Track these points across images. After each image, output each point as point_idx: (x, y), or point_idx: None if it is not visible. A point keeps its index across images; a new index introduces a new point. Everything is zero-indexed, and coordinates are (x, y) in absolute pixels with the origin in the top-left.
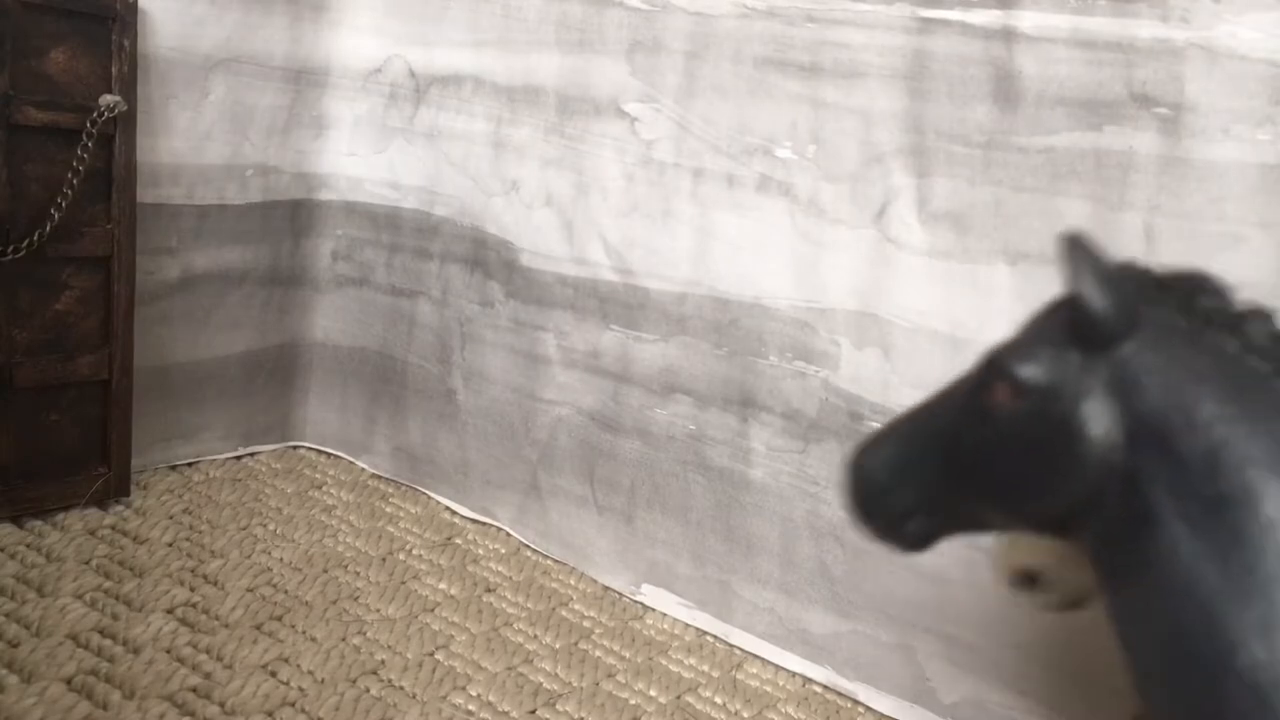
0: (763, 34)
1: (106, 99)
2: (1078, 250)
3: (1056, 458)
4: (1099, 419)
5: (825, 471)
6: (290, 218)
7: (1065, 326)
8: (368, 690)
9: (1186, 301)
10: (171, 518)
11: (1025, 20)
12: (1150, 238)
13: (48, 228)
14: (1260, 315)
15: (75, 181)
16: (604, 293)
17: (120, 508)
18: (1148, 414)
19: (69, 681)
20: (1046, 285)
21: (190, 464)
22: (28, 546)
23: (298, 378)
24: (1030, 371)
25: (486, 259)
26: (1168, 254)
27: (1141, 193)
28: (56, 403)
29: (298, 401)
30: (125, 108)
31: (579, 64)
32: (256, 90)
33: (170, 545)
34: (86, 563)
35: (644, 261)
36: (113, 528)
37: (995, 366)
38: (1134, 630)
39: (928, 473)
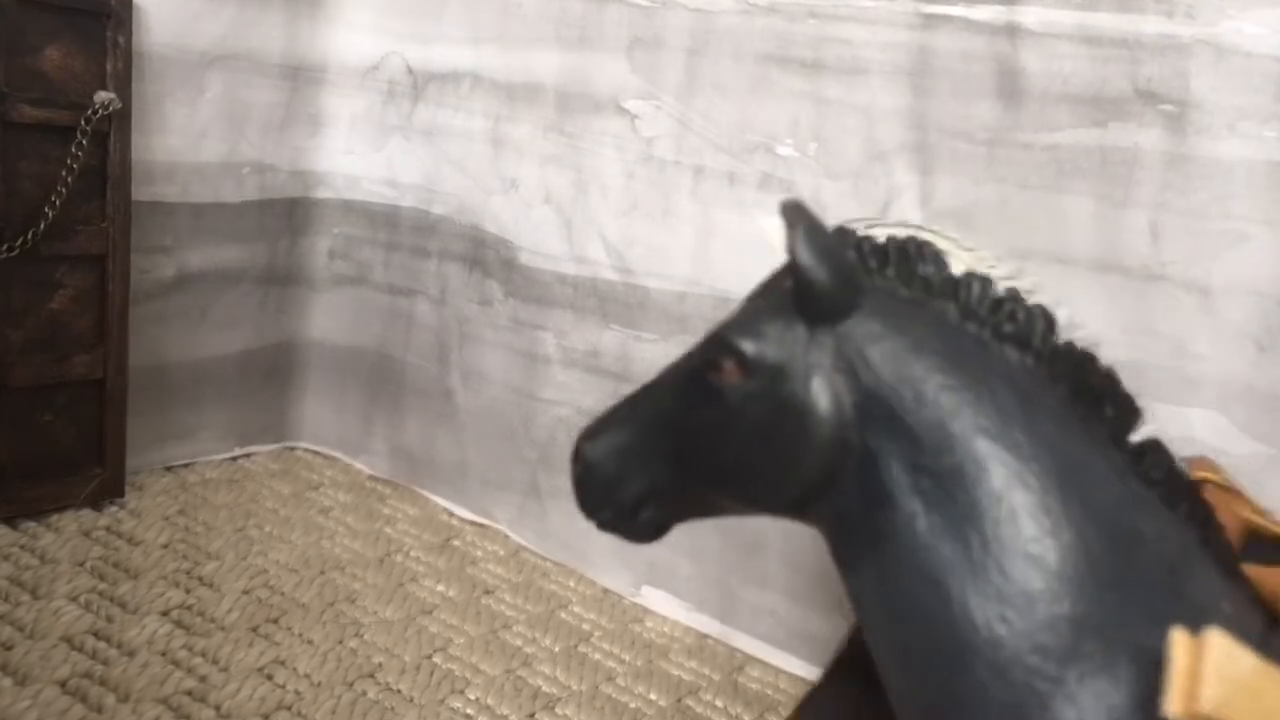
0: (764, 30)
1: (101, 96)
2: (795, 217)
3: (789, 438)
4: (828, 395)
5: None
6: (287, 216)
7: (787, 298)
8: (365, 693)
9: (906, 269)
10: (167, 519)
11: (1029, 16)
12: (1155, 235)
13: (42, 226)
14: (977, 278)
15: (70, 179)
16: (604, 292)
17: (115, 509)
18: (875, 388)
19: (63, 684)
20: (1052, 283)
21: (186, 465)
22: (21, 548)
23: (294, 378)
24: (756, 347)
25: (485, 258)
26: (1173, 252)
27: (1147, 190)
28: (51, 403)
29: (294, 402)
30: (120, 105)
31: (579, 61)
32: (253, 87)
33: (165, 547)
34: (81, 565)
35: (644, 260)
36: (107, 529)
37: (720, 343)
38: (874, 612)
39: (656, 458)
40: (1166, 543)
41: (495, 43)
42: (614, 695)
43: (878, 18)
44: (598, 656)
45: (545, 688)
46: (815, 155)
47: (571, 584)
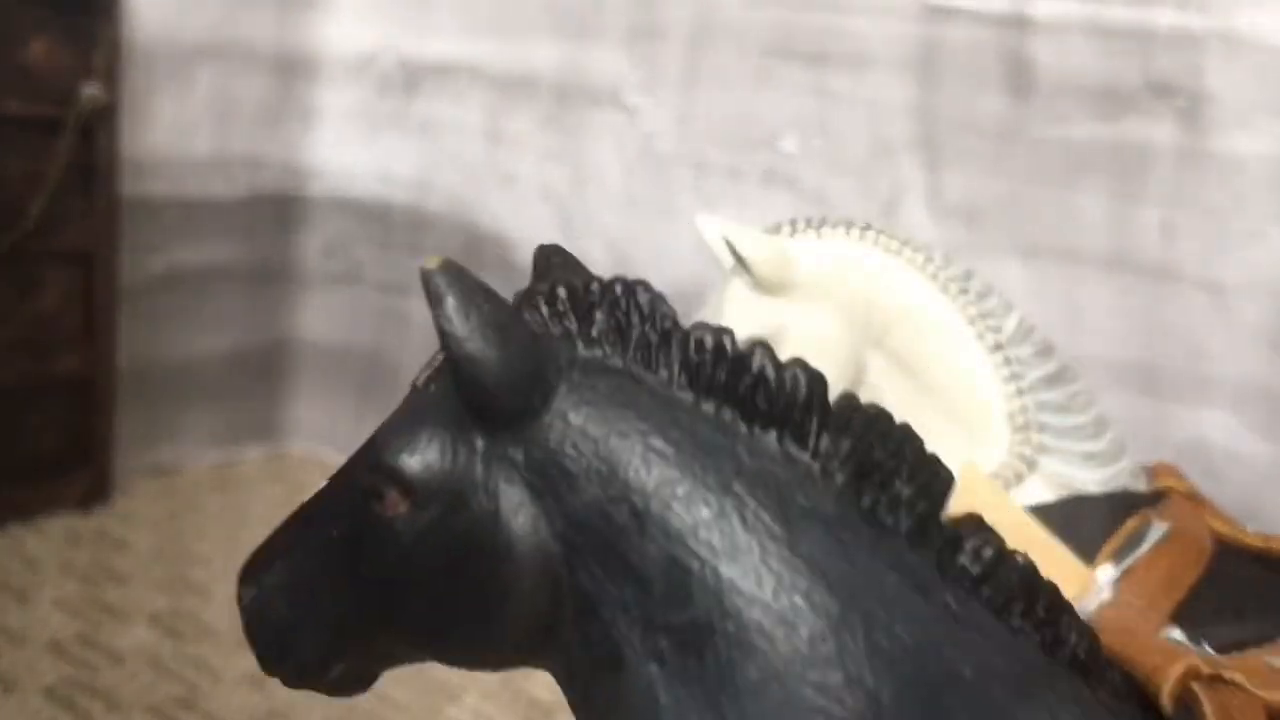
0: (767, 21)
1: (88, 90)
2: (442, 286)
3: (482, 583)
4: (523, 527)
5: None
6: (278, 212)
7: (456, 396)
8: (358, 701)
9: (615, 326)
10: (155, 523)
11: (1039, 8)
12: (1168, 232)
13: (27, 223)
14: (710, 334)
15: (56, 175)
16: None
17: (102, 512)
18: (583, 513)
19: (49, 692)
20: (1062, 281)
21: (174, 467)
22: (6, 552)
23: (286, 378)
24: (419, 465)
25: (481, 255)
26: (1186, 249)
27: (1159, 186)
28: (36, 404)
29: (286, 402)
30: (107, 99)
31: (576, 52)
32: (243, 80)
33: (153, 551)
34: (67, 569)
35: (644, 258)
36: (94, 533)
37: (377, 464)
38: None
39: (333, 602)
40: (994, 679)
41: (491, 34)
42: None
43: (884, 9)
44: None
45: (543, 696)
46: (819, 150)
47: None
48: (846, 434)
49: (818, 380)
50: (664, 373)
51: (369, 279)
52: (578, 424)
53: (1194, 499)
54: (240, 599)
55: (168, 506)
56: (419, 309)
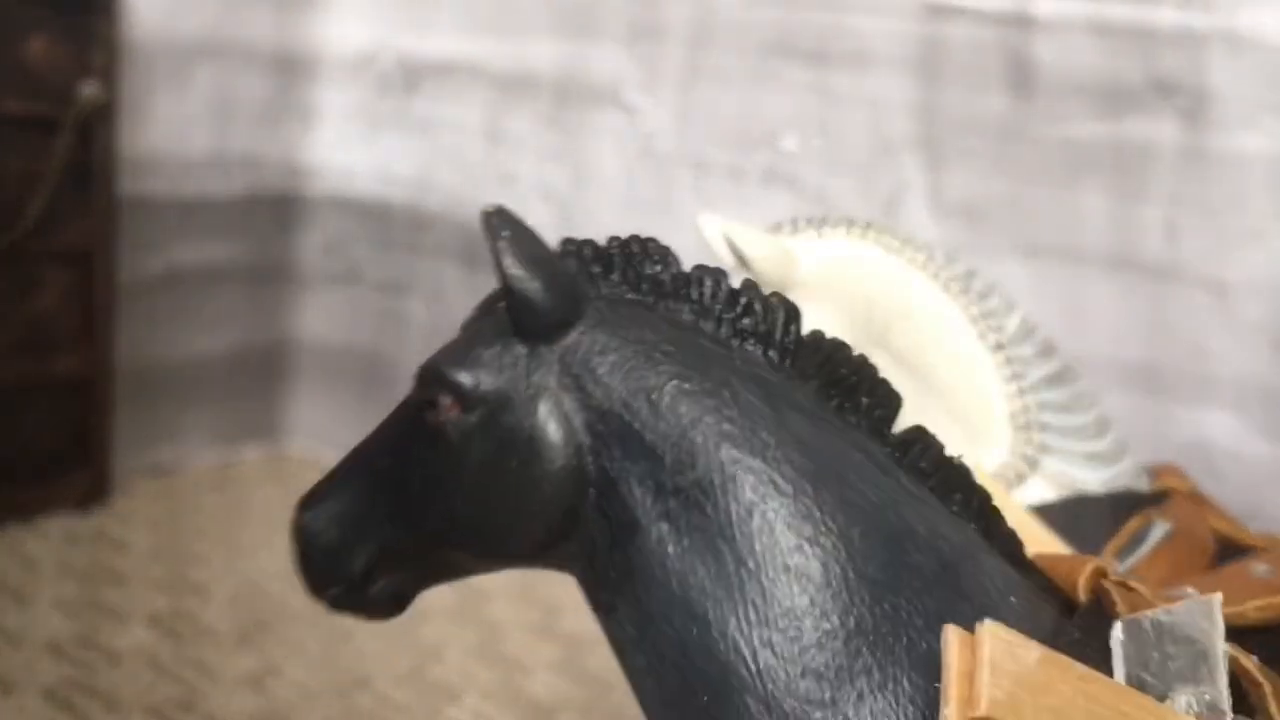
0: (768, 21)
1: (87, 89)
2: (499, 226)
3: (521, 474)
4: (558, 420)
5: None
6: (277, 211)
7: (504, 319)
8: (358, 702)
9: (632, 271)
10: (154, 523)
11: (1040, 7)
12: (1171, 232)
13: (26, 222)
14: (709, 273)
15: (54, 174)
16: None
17: (101, 512)
18: (607, 404)
19: (48, 692)
20: (1064, 281)
21: (174, 467)
22: (5, 553)
23: (285, 378)
24: (471, 376)
25: (480, 254)
26: (1189, 249)
27: (1161, 185)
28: (35, 404)
29: (285, 402)
30: (106, 98)
31: (576, 51)
32: (242, 79)
33: (152, 551)
34: (66, 570)
35: None
36: (93, 533)
37: (431, 378)
38: (635, 657)
39: (382, 519)
40: (942, 539)
41: (491, 33)
42: (613, 705)
43: (884, 8)
44: (597, 665)
45: (544, 696)
46: (820, 150)
47: (570, 590)
48: (817, 352)
49: (794, 311)
50: (672, 302)
51: (369, 279)
52: (603, 337)
53: (1196, 499)
54: (297, 525)
55: (167, 507)
56: (418, 309)
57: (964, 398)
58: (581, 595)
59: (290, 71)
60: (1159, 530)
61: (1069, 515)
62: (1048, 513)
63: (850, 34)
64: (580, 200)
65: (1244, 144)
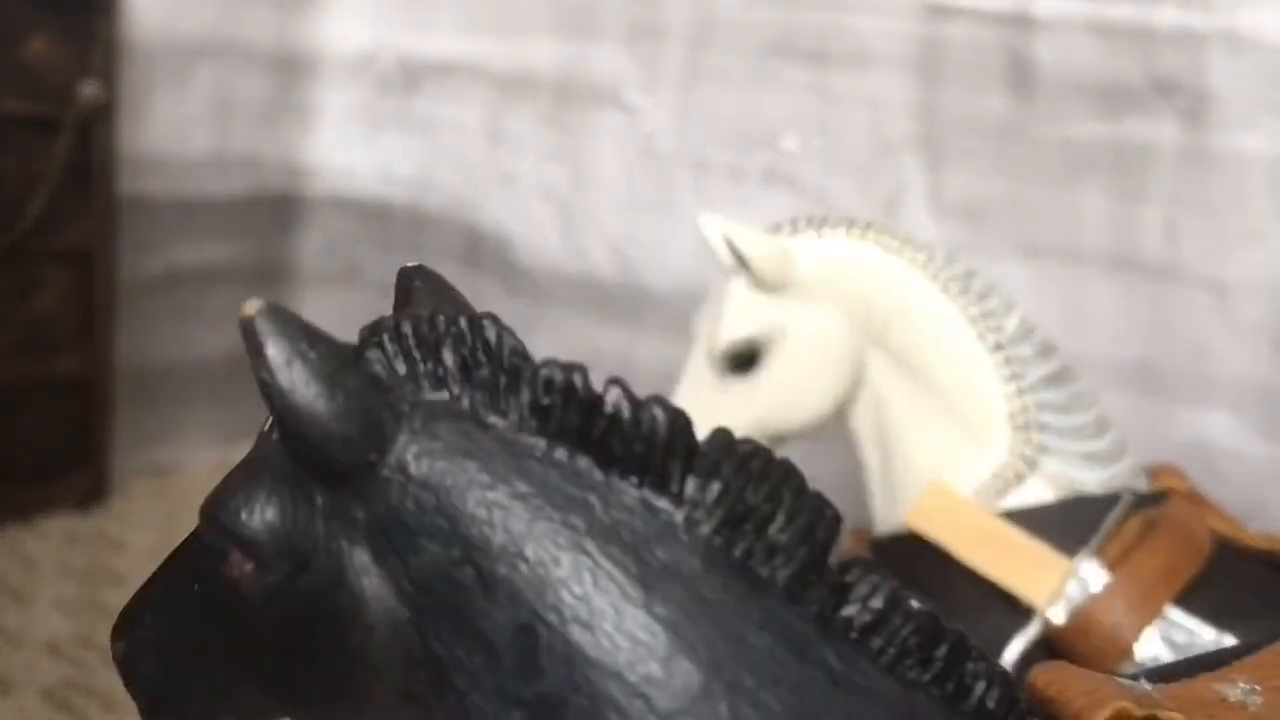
0: (768, 21)
1: (87, 89)
2: (265, 330)
3: (337, 649)
4: (370, 586)
5: (830, 470)
6: (277, 211)
7: (288, 450)
8: None
9: (461, 367)
10: (154, 523)
11: (1040, 6)
12: (1171, 232)
13: (25, 222)
14: (561, 370)
15: (54, 174)
16: (603, 290)
17: (101, 513)
18: (429, 575)
19: (47, 693)
20: (1064, 281)
21: (173, 467)
22: (4, 553)
23: None
24: (255, 526)
25: (481, 255)
26: (1189, 249)
27: (1161, 185)
28: (34, 404)
29: None
30: (106, 98)
31: (576, 52)
32: (242, 79)
33: (152, 552)
34: (65, 570)
35: (645, 258)
36: (93, 533)
37: (216, 521)
38: None
39: (204, 662)
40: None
41: (491, 33)
42: None
43: (885, 8)
44: None
45: None
46: (820, 150)
47: None
48: (715, 477)
49: (679, 418)
50: (513, 415)
51: (369, 279)
52: (418, 476)
53: (1195, 499)
54: (115, 654)
55: (166, 507)
56: None
57: (963, 398)
58: None
59: (290, 71)
60: (1155, 529)
61: (1067, 515)
62: (1046, 513)
63: (850, 34)
64: (580, 200)
65: (1244, 144)
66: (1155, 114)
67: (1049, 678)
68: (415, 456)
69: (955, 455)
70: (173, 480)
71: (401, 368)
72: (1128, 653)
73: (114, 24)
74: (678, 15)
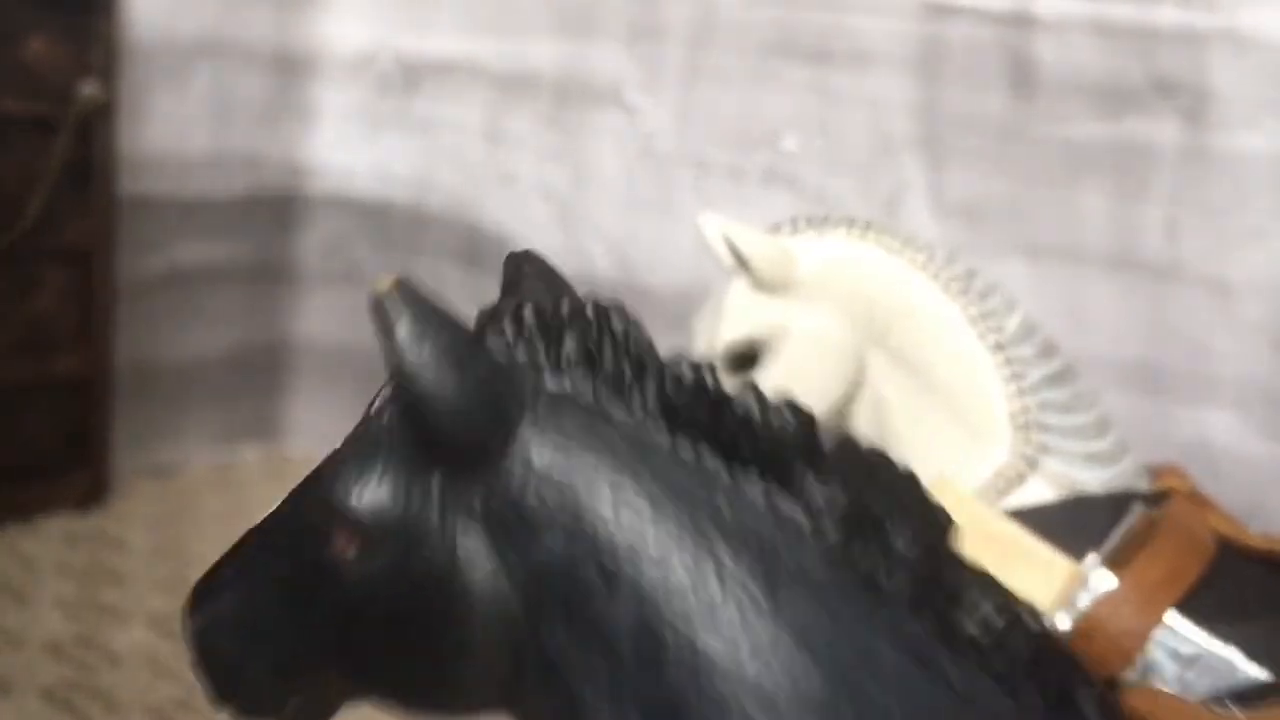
0: (768, 20)
1: (86, 89)
2: (398, 309)
3: (439, 637)
4: (482, 576)
5: None
6: (277, 211)
7: (409, 432)
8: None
9: (586, 358)
10: (153, 523)
11: (1041, 6)
12: (1172, 231)
13: (25, 222)
14: (691, 368)
15: (54, 174)
16: (603, 289)
17: (100, 513)
18: (547, 566)
19: (47, 693)
20: (1064, 281)
21: (173, 467)
22: (4, 553)
23: (284, 378)
24: (366, 508)
25: (481, 254)
26: (1190, 248)
27: (1162, 185)
28: (34, 404)
29: (284, 402)
30: (105, 98)
31: (577, 52)
32: (242, 78)
33: (152, 552)
34: (65, 570)
35: (645, 258)
36: (92, 534)
37: (322, 501)
38: None
39: (286, 641)
40: None
41: (491, 33)
42: None
43: (885, 7)
44: None
45: None
46: (820, 150)
47: None
48: (841, 484)
49: (808, 421)
50: (639, 411)
51: (369, 279)
52: (541, 468)
53: (1196, 499)
54: (187, 630)
55: (166, 507)
56: None
57: (964, 398)
58: None
59: (290, 71)
60: (1141, 518)
61: (1069, 515)
62: (1047, 513)
63: (850, 34)
64: (580, 200)
65: (1245, 144)
66: (1156, 114)
67: (1143, 699)
68: (539, 447)
69: (956, 455)
70: (173, 480)
71: (522, 354)
72: (1130, 659)
73: (114, 24)
74: (678, 15)
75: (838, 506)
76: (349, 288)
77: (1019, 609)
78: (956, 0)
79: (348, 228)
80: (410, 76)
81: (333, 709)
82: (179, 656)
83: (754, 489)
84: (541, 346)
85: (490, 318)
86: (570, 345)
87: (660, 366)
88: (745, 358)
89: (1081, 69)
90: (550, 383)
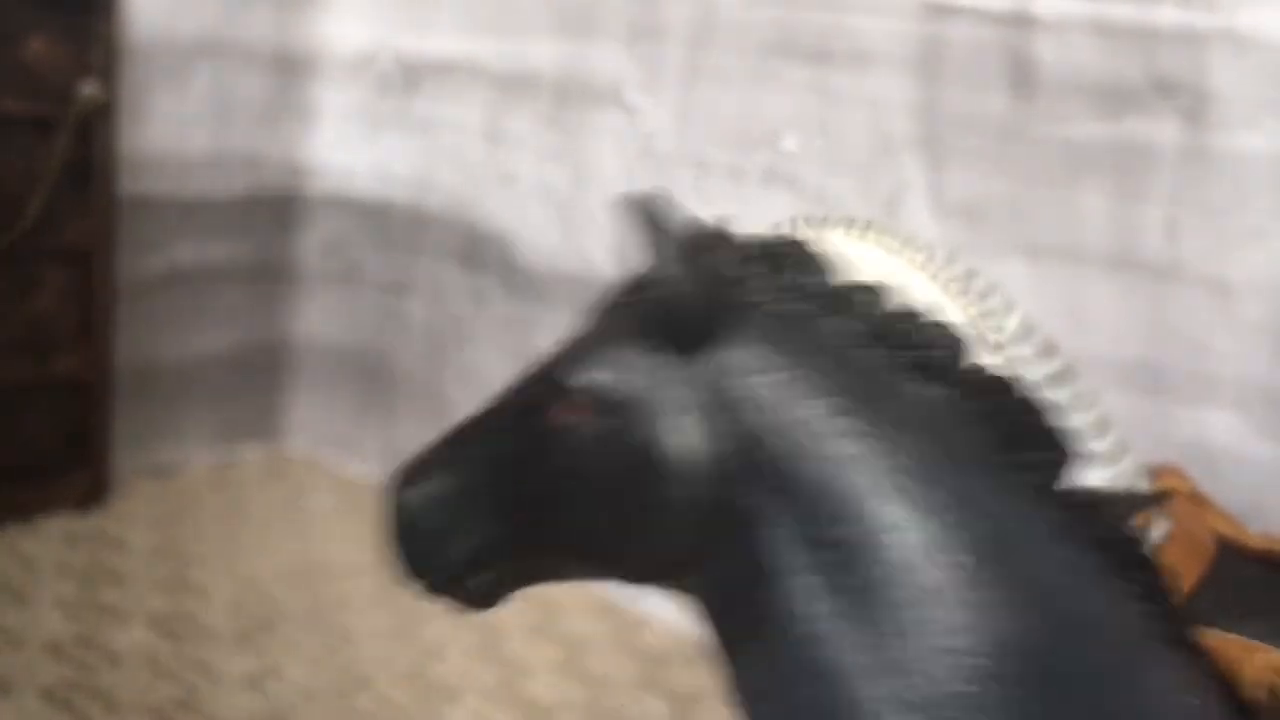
0: (768, 20)
1: (86, 89)
2: (652, 215)
3: (648, 493)
4: (699, 441)
5: None
6: (277, 211)
7: (646, 319)
8: (357, 703)
9: (790, 279)
10: (153, 523)
11: (1041, 6)
12: (1172, 231)
13: (25, 222)
14: (865, 291)
15: (53, 174)
16: (603, 288)
17: (100, 513)
18: (761, 433)
19: (47, 693)
20: (1064, 281)
21: (173, 467)
22: (3, 553)
23: (284, 377)
24: (607, 379)
25: (481, 254)
26: (1190, 248)
27: (1163, 185)
28: (33, 404)
29: (284, 402)
30: (105, 98)
31: (577, 52)
32: (242, 78)
33: (152, 552)
34: (65, 570)
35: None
36: (92, 534)
37: (561, 375)
38: (760, 707)
39: (489, 512)
40: (1118, 628)
41: (491, 33)
42: (613, 705)
43: (885, 7)
44: (597, 665)
45: (543, 697)
46: (820, 150)
47: (571, 591)
48: (987, 391)
49: (958, 338)
50: (835, 321)
51: (369, 278)
52: (761, 355)
53: (1196, 499)
54: (391, 505)
55: (166, 507)
56: (419, 309)
57: None
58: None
59: (290, 71)
60: (1158, 529)
61: None
62: None
63: (850, 34)
64: (580, 200)
65: (1245, 144)
66: (1156, 114)
67: (1214, 639)
68: (756, 339)
69: None
70: (173, 480)
71: (743, 273)
72: None
73: (114, 24)
74: (678, 15)
75: (998, 412)
76: (349, 288)
77: (1138, 521)
78: (956, 0)
79: (348, 228)
80: (410, 76)
81: (507, 592)
82: (179, 656)
83: (929, 390)
84: (756, 270)
85: (714, 243)
86: (776, 270)
87: (848, 288)
88: None
89: (1081, 69)
90: (766, 295)
